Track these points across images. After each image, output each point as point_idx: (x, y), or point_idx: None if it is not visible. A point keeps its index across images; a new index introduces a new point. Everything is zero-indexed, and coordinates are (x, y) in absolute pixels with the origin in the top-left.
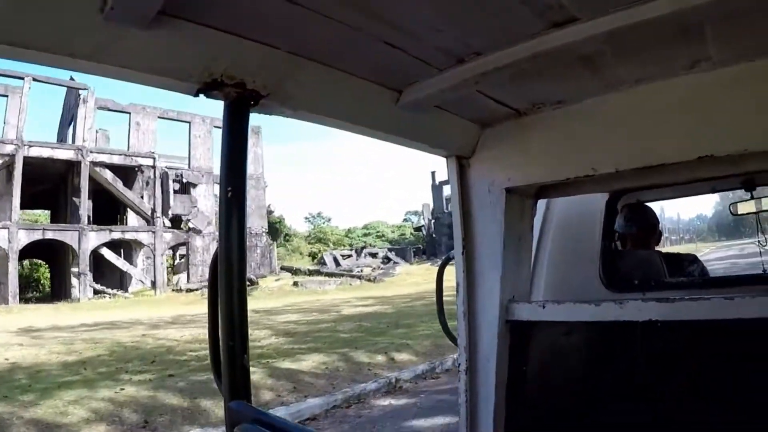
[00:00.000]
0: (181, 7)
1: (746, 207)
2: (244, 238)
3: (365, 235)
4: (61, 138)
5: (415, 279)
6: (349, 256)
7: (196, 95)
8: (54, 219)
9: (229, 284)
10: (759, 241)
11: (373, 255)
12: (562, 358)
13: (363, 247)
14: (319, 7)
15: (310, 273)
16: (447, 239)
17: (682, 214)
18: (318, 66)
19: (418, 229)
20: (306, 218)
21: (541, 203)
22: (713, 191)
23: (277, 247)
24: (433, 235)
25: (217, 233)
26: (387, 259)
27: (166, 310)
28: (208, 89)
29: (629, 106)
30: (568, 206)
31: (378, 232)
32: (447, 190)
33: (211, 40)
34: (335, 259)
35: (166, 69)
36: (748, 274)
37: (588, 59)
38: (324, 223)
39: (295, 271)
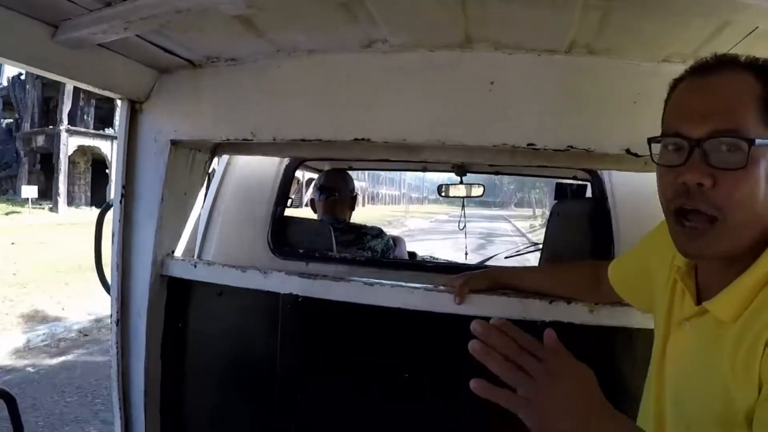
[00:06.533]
0: None
1: (455, 191)
2: None
3: None
4: None
5: None
6: None
7: None
8: None
9: None
10: (459, 225)
11: None
12: (216, 319)
13: None
14: None
15: None
16: None
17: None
18: None
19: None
20: None
21: (223, 159)
22: (425, 171)
23: None
24: None
25: None
26: None
27: None
28: None
29: (300, 75)
30: (248, 166)
31: None
32: None
33: None
34: None
35: None
36: (419, 261)
37: (244, 20)
38: None
39: None
